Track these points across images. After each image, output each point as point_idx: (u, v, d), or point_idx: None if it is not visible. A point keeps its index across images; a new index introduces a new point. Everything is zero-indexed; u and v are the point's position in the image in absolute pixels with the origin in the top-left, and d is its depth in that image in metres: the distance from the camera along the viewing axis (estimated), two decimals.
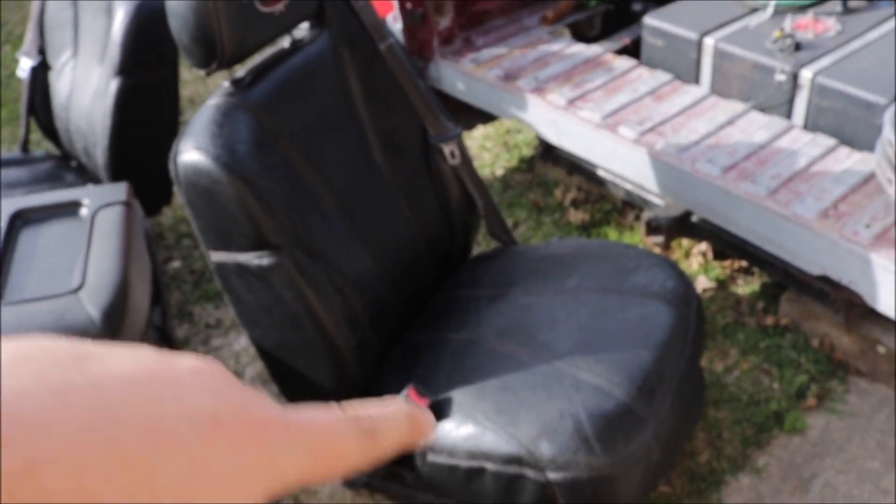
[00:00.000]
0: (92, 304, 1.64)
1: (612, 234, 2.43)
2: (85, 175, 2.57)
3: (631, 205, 2.47)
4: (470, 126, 2.80)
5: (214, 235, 1.60)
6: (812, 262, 1.85)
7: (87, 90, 2.42)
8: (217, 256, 1.63)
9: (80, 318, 1.62)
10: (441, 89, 2.63)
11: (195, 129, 1.58)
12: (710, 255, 2.35)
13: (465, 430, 1.60)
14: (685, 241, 2.38)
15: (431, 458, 1.63)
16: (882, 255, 1.73)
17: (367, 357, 1.72)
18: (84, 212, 1.94)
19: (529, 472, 1.54)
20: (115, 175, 2.30)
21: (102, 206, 1.93)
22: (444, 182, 1.97)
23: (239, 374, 2.23)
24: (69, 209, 1.96)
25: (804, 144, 2.07)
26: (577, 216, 2.52)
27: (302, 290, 1.60)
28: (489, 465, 1.57)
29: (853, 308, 1.98)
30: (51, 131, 2.63)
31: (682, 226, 2.18)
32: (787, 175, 1.96)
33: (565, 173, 2.58)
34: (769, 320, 2.16)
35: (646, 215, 2.22)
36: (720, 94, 2.26)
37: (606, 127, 2.20)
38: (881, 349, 1.97)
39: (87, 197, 1.96)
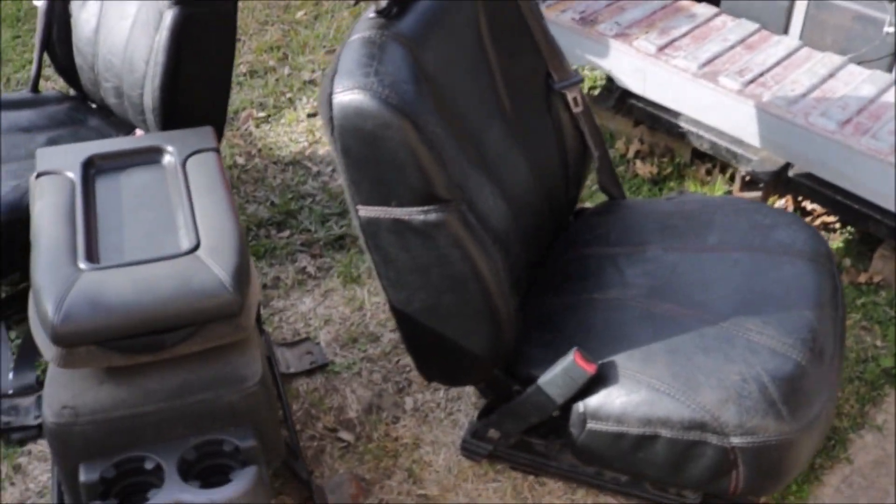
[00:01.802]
0: (218, 266, 1.45)
1: (690, 187, 2.35)
2: (110, 118, 2.31)
3: (703, 158, 2.40)
4: None
5: (371, 188, 1.43)
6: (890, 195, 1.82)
7: (122, 22, 2.15)
8: (369, 212, 1.46)
9: (209, 282, 1.43)
10: None
11: (350, 66, 1.40)
12: (790, 209, 2.31)
13: (638, 396, 1.50)
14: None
15: (594, 425, 1.53)
16: None
17: (519, 322, 1.59)
18: (168, 159, 1.72)
19: (712, 438, 1.46)
20: (165, 119, 2.05)
21: (191, 153, 1.71)
22: (563, 131, 1.84)
23: (311, 337, 2.05)
24: (149, 155, 1.73)
25: None
26: (644, 169, 2.43)
27: (469, 249, 1.45)
28: (665, 432, 1.48)
29: None
30: (68, 69, 2.34)
31: (777, 181, 2.12)
32: None
33: (631, 125, 2.48)
34: (862, 277, 2.13)
35: (742, 169, 2.15)
36: (813, 46, 2.20)
37: (704, 77, 2.11)
38: None
39: (170, 143, 1.74)
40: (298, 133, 2.71)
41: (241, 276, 1.46)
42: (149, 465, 1.47)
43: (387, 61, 1.41)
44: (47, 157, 1.70)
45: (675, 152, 2.46)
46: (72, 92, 2.42)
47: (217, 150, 1.73)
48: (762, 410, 1.46)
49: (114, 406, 1.46)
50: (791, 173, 2.10)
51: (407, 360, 2.01)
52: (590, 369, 1.53)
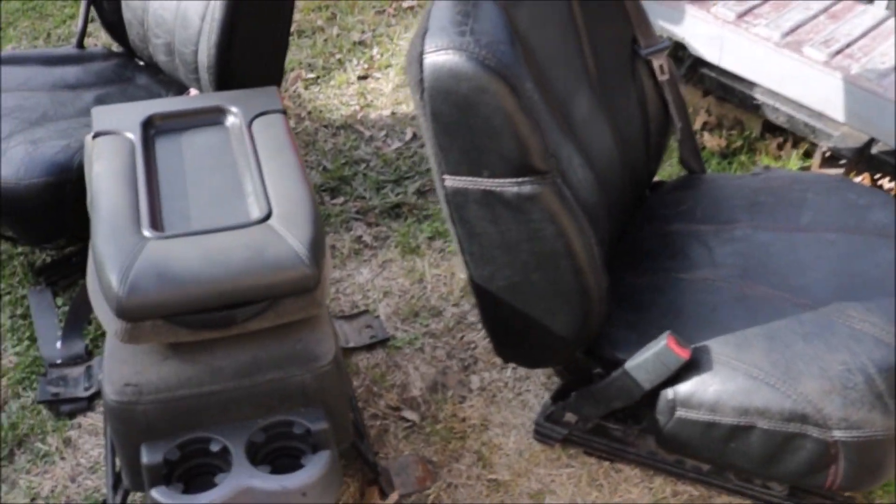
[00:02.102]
0: (292, 236, 1.36)
1: (762, 161, 2.24)
2: (159, 76, 2.21)
3: (774, 132, 2.29)
4: None
5: (461, 156, 1.33)
6: None
7: None
8: (456, 182, 1.36)
9: (284, 254, 1.33)
10: None
11: (444, 24, 1.29)
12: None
13: (733, 385, 1.41)
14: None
15: (684, 413, 1.44)
16: None
17: (610, 302, 1.49)
18: (232, 121, 1.62)
19: (812, 431, 1.37)
20: (220, 78, 1.95)
21: (257, 114, 1.61)
22: (646, 99, 1.73)
23: (370, 310, 1.97)
24: (211, 116, 1.63)
25: None
26: (713, 142, 2.32)
27: (563, 224, 1.36)
28: (761, 423, 1.39)
29: None
30: (115, 24, 2.24)
31: (860, 157, 2.01)
32: None
33: (699, 95, 2.37)
34: None
35: (823, 145, 2.04)
36: None
37: (788, 47, 1.99)
38: None
39: (233, 103, 1.64)
40: (349, 96, 2.61)
41: (317, 247, 1.36)
42: (214, 448, 1.39)
43: (482, 19, 1.30)
44: (104, 116, 1.61)
45: (744, 125, 2.35)
46: (116, 48, 2.32)
47: (284, 112, 1.63)
48: (868, 403, 1.37)
49: (179, 384, 1.37)
50: (875, 150, 1.99)
51: (472, 336, 1.92)
52: (684, 355, 1.44)
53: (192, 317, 1.32)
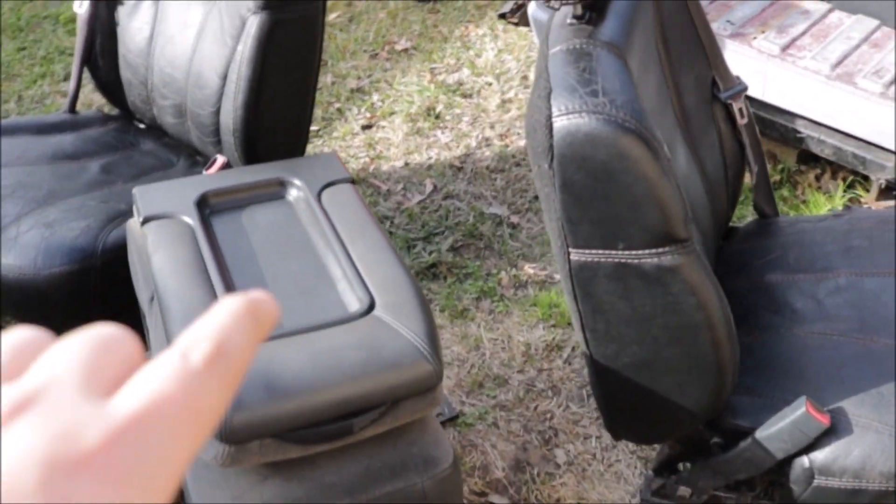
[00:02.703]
0: (406, 329, 1.20)
1: (810, 196, 2.17)
2: (164, 139, 2.02)
3: (809, 163, 2.23)
4: None
5: (593, 229, 1.20)
6: None
7: (186, 31, 1.87)
8: (584, 256, 1.23)
9: (404, 350, 1.18)
10: None
11: (568, 83, 1.16)
12: None
13: (879, 449, 1.31)
14: None
15: (823, 482, 1.33)
16: None
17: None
18: (296, 194, 1.46)
19: None
20: (247, 141, 1.78)
21: (324, 185, 1.45)
22: (724, 144, 1.64)
23: None
24: (271, 190, 1.47)
25: None
26: (748, 177, 2.24)
27: (704, 295, 1.24)
28: None
29: None
30: (111, 85, 2.04)
31: None
32: None
33: None
34: None
35: (881, 177, 1.98)
36: None
37: (839, 79, 1.93)
38: None
39: (294, 174, 1.48)
40: (356, 148, 2.45)
41: (435, 338, 1.21)
42: None
43: (609, 76, 1.18)
44: (149, 197, 1.43)
45: (777, 157, 2.28)
46: (110, 110, 2.12)
47: (353, 181, 1.48)
48: None
49: None
50: None
51: (545, 404, 1.78)
52: (825, 421, 1.33)
53: (305, 431, 1.15)
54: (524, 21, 2.89)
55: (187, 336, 0.26)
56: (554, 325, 1.95)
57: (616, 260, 1.22)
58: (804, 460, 1.34)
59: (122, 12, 1.97)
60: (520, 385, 1.82)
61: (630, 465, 1.68)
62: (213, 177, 1.49)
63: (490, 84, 2.69)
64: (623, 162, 1.14)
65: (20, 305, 1.64)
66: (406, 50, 2.84)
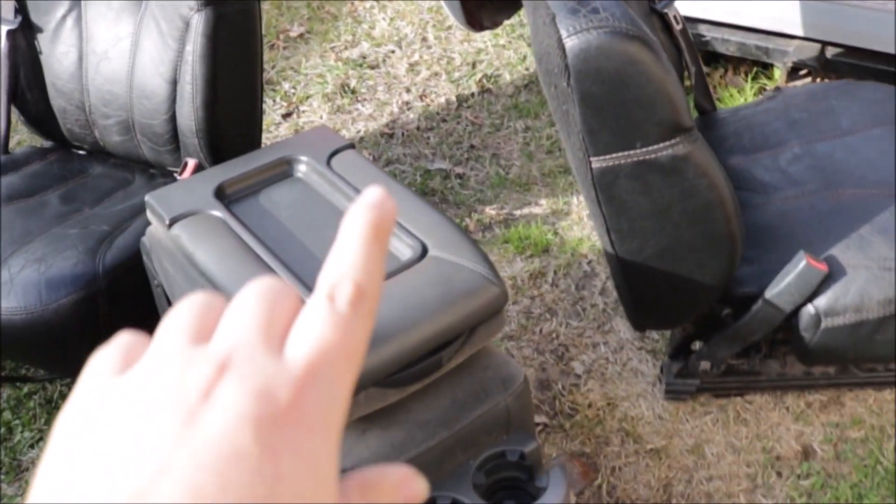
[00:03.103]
0: (467, 261, 1.28)
1: (723, 93, 2.37)
2: (111, 160, 1.99)
3: (713, 65, 2.43)
4: (497, 23, 2.56)
5: (612, 135, 1.32)
6: None
7: (119, 45, 1.85)
8: (605, 162, 1.34)
9: (473, 278, 1.26)
10: None
11: (569, 7, 1.27)
12: None
13: (872, 283, 1.50)
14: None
15: (830, 322, 1.51)
16: None
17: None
18: (304, 169, 1.50)
19: None
20: (211, 139, 1.79)
21: (330, 154, 1.50)
22: (666, 51, 1.78)
23: None
24: (279, 170, 1.50)
25: None
26: None
27: (712, 175, 1.38)
28: None
29: None
30: (41, 116, 1.98)
31: (821, 64, 2.18)
32: None
33: None
34: None
35: (788, 61, 2.19)
36: None
37: None
38: None
39: (295, 151, 1.51)
40: (283, 136, 2.47)
41: (492, 264, 1.30)
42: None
43: None
44: (166, 200, 1.43)
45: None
46: (40, 144, 2.06)
47: (353, 146, 1.53)
48: None
49: (395, 451, 1.26)
50: (829, 55, 2.17)
51: (548, 327, 1.90)
52: (823, 268, 1.51)
53: (401, 374, 1.21)
54: None
55: (329, 274, 0.28)
56: (531, 256, 2.07)
57: (635, 159, 1.34)
58: (810, 308, 1.52)
59: (42, 40, 1.91)
60: (518, 315, 1.93)
61: (642, 360, 1.82)
62: (219, 169, 1.50)
63: (393, 52, 2.76)
64: (634, 66, 1.26)
65: (31, 345, 1.60)
66: (301, 35, 2.86)
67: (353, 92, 2.63)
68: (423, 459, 1.28)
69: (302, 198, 1.46)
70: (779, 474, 1.62)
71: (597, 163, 1.34)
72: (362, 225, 0.29)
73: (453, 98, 2.59)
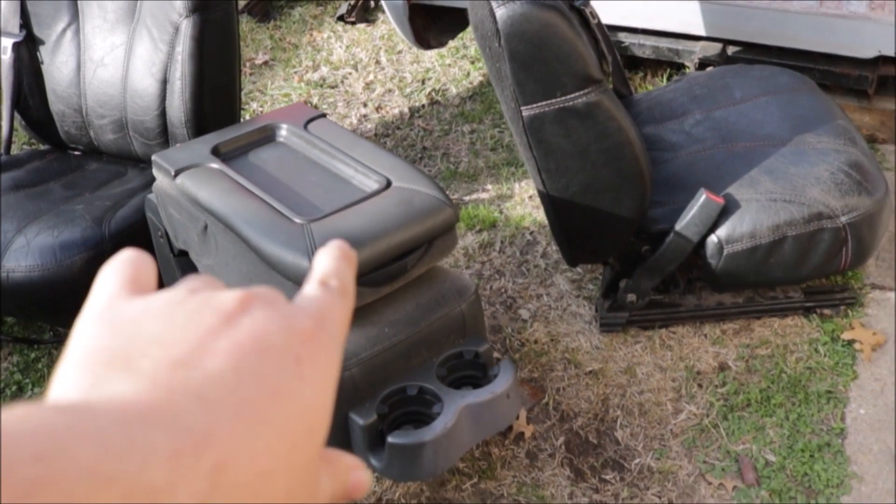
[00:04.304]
0: (424, 188, 1.56)
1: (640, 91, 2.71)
2: (104, 157, 2.24)
3: (639, 66, 2.78)
4: (443, 42, 2.89)
5: (536, 86, 1.62)
6: (868, 46, 2.32)
7: (114, 52, 2.13)
8: (533, 110, 1.64)
9: (429, 201, 1.53)
10: (433, 3, 2.71)
11: None
12: None
13: (762, 211, 1.81)
14: None
15: (730, 249, 1.81)
16: None
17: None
18: (285, 134, 1.77)
19: (827, 223, 1.79)
20: (198, 129, 2.06)
21: (307, 121, 1.78)
22: None
23: None
24: (265, 134, 1.77)
25: None
26: None
27: (620, 119, 1.69)
28: (790, 231, 1.80)
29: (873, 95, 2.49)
30: (41, 121, 2.24)
31: (723, 60, 2.54)
32: None
33: None
34: None
35: (696, 59, 2.54)
36: None
37: None
38: None
39: (277, 120, 1.79)
40: None
41: (445, 192, 1.58)
42: (411, 392, 1.55)
43: None
44: (171, 158, 1.69)
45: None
46: (36, 146, 2.31)
47: (325, 115, 1.81)
48: (855, 190, 1.82)
49: (370, 344, 1.52)
50: (730, 52, 2.53)
51: (497, 285, 2.18)
52: (720, 200, 1.81)
53: (374, 274, 1.48)
54: (361, 18, 3.30)
55: (317, 274, 0.34)
56: (479, 230, 2.35)
57: (557, 107, 1.64)
58: (713, 237, 1.82)
59: (44, 51, 2.18)
60: (472, 277, 2.20)
61: (580, 305, 2.10)
62: (213, 135, 1.76)
63: (350, 73, 3.07)
64: (551, 28, 1.57)
65: (47, 299, 1.83)
66: (266, 62, 3.16)
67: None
68: (394, 352, 1.53)
69: (285, 155, 1.73)
70: (699, 385, 1.90)
71: (526, 111, 1.65)
72: (336, 251, 0.36)
73: (406, 110, 2.90)
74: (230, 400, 0.27)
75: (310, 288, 0.33)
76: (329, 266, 0.35)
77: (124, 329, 0.29)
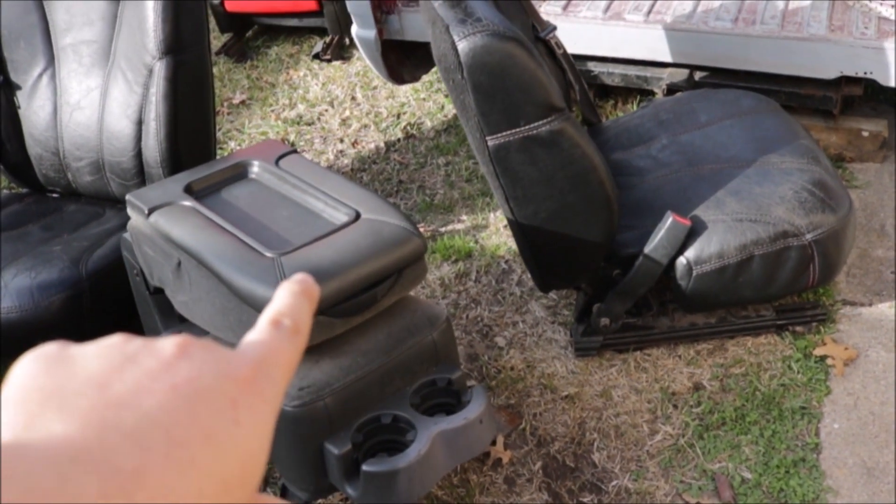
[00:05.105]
0: (393, 220, 1.59)
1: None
2: (81, 199, 2.27)
3: (610, 94, 2.82)
4: (416, 77, 2.94)
5: (500, 116, 1.65)
6: (830, 67, 2.37)
7: (90, 95, 2.16)
8: (498, 140, 1.68)
9: (398, 233, 1.56)
10: (405, 39, 2.76)
11: (458, 18, 1.62)
12: None
13: (728, 232, 1.84)
14: None
15: (699, 269, 1.84)
16: (890, 43, 2.29)
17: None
18: (256, 170, 1.80)
19: (793, 241, 1.83)
20: (173, 168, 2.09)
21: (279, 157, 1.81)
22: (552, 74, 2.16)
23: None
24: (237, 171, 1.80)
25: None
26: None
27: (584, 147, 1.72)
28: (758, 250, 1.83)
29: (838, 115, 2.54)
30: (19, 165, 2.26)
31: (690, 85, 2.59)
32: (780, 12, 2.46)
33: None
34: None
35: (663, 85, 2.59)
36: None
37: (612, 19, 2.54)
38: (865, 133, 2.56)
39: (249, 157, 1.82)
40: None
41: (414, 223, 1.61)
42: (385, 420, 1.56)
43: (483, 9, 1.65)
44: (144, 196, 1.71)
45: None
46: (18, 188, 2.33)
47: (296, 150, 1.84)
48: (819, 207, 1.86)
49: (343, 374, 1.53)
50: (697, 78, 2.58)
51: (473, 313, 2.20)
52: (687, 223, 1.85)
53: (344, 304, 1.50)
54: (336, 56, 3.35)
55: (270, 312, 0.35)
56: (455, 261, 2.38)
57: (521, 135, 1.68)
58: (682, 259, 1.85)
59: (21, 96, 2.21)
60: (448, 306, 2.22)
61: (555, 331, 2.12)
62: (186, 174, 1.79)
63: (326, 110, 3.12)
64: (511, 59, 1.61)
65: (24, 340, 1.84)
66: (243, 101, 3.20)
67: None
68: (367, 381, 1.55)
69: (257, 191, 1.76)
70: (675, 406, 1.92)
71: (491, 141, 1.68)
72: (296, 286, 0.36)
73: (382, 144, 2.94)
74: (162, 440, 0.28)
75: (258, 330, 0.34)
76: (285, 304, 0.35)
77: (62, 369, 0.30)
